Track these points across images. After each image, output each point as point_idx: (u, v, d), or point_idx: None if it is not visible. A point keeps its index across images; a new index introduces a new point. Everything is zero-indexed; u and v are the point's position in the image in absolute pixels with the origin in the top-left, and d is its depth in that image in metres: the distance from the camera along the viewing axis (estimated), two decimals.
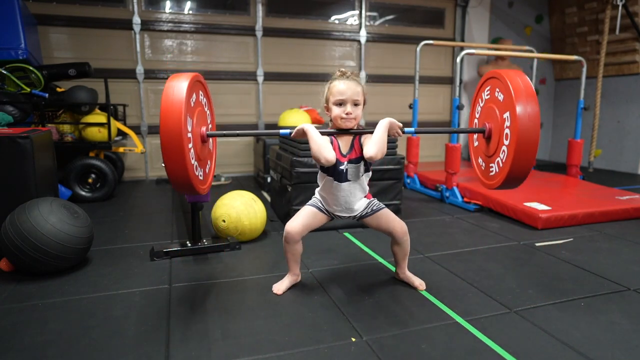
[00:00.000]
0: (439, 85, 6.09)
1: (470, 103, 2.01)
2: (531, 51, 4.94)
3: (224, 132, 1.84)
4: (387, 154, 3.03)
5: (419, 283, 2.03)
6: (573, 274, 2.22)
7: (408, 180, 4.53)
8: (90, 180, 3.75)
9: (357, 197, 1.90)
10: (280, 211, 3.23)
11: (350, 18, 5.58)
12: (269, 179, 3.87)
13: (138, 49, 4.79)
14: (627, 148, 5.65)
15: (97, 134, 3.79)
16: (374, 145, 1.69)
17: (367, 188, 1.96)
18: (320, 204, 1.95)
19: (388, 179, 3.02)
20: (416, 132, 1.89)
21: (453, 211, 3.53)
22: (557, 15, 6.31)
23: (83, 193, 3.72)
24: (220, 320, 1.71)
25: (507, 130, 1.65)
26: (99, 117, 3.83)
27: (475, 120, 1.94)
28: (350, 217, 1.95)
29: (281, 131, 1.84)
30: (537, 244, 2.68)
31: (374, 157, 1.70)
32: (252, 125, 5.32)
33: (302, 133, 1.76)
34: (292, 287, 2.01)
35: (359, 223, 2.94)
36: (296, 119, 4.48)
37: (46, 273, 2.10)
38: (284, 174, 3.08)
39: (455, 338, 1.59)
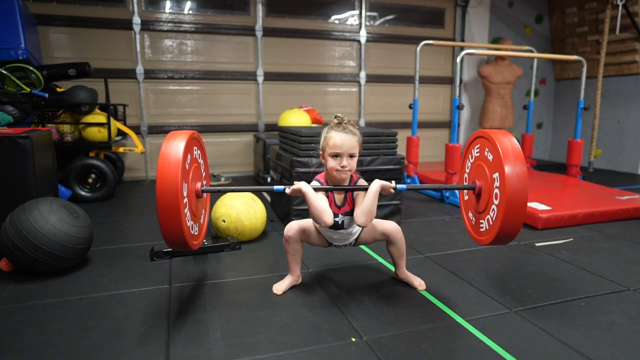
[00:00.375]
0: (439, 85, 6.09)
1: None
2: (531, 51, 4.94)
3: (218, 188, 1.86)
4: (387, 154, 3.04)
5: (418, 283, 2.03)
6: (573, 274, 2.22)
7: (408, 180, 4.53)
8: (90, 180, 3.75)
9: (354, 233, 1.96)
10: (280, 211, 3.23)
11: (350, 18, 5.58)
12: (269, 179, 3.87)
13: (138, 49, 4.79)
14: (627, 148, 5.65)
15: (97, 134, 3.79)
16: (363, 215, 1.73)
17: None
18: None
19: (388, 179, 3.02)
20: (408, 189, 1.90)
21: (453, 211, 3.53)
22: (557, 15, 6.31)
23: (83, 193, 3.72)
24: (220, 320, 1.71)
25: (496, 190, 1.69)
26: (99, 117, 3.83)
27: (466, 176, 1.97)
28: (347, 244, 2.00)
29: (275, 187, 1.83)
30: (537, 244, 2.68)
31: (362, 225, 1.77)
32: (252, 125, 5.32)
33: (299, 192, 1.77)
34: (292, 287, 2.01)
35: None
36: (296, 119, 4.48)
37: (46, 273, 2.10)
38: (284, 174, 3.07)
39: (455, 338, 1.59)
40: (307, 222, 1.98)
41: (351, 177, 1.87)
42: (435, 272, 2.24)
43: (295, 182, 1.79)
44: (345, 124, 1.78)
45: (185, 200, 1.61)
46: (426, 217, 3.34)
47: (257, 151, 4.78)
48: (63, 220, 2.08)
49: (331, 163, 1.78)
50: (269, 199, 3.80)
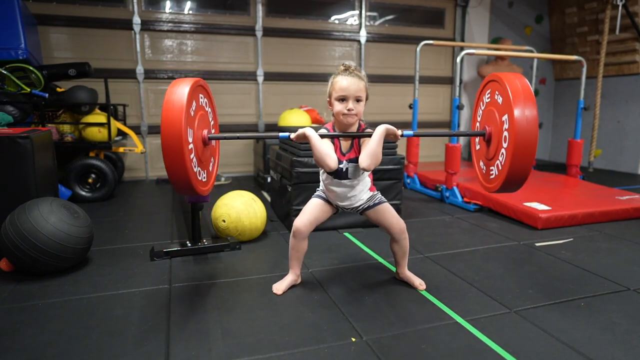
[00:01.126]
0: (439, 85, 6.09)
1: (472, 105, 2.02)
2: (531, 51, 4.94)
3: (225, 135, 1.85)
4: (387, 154, 3.03)
5: (419, 283, 2.03)
6: (573, 274, 2.22)
7: (408, 180, 4.53)
8: (90, 180, 3.75)
9: (358, 191, 1.92)
10: (280, 211, 3.23)
11: (350, 18, 5.58)
12: (269, 179, 3.87)
13: (138, 49, 4.79)
14: (627, 148, 5.65)
15: (97, 134, 3.79)
16: (367, 158, 1.72)
17: (369, 181, 1.97)
18: (325, 195, 1.98)
19: (388, 179, 3.02)
20: (415, 135, 1.89)
21: (453, 211, 3.53)
22: (557, 15, 6.31)
23: (83, 193, 3.72)
24: (220, 320, 1.71)
25: (505, 133, 1.66)
26: (99, 117, 3.83)
27: (477, 124, 1.95)
28: (352, 208, 1.97)
29: (280, 134, 1.84)
30: (537, 244, 2.68)
31: (367, 169, 1.75)
32: (252, 125, 5.32)
33: (303, 137, 1.76)
34: (292, 287, 2.01)
35: (359, 222, 2.96)
36: (296, 119, 4.48)
37: (46, 273, 2.10)
38: (284, 174, 3.08)
39: (455, 338, 1.59)
40: (313, 204, 1.95)
41: (359, 125, 1.86)
42: (435, 272, 2.24)
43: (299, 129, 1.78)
44: (352, 70, 1.78)
45: (191, 146, 1.61)
46: (426, 217, 3.34)
47: (257, 151, 4.78)
48: (63, 220, 2.08)
49: (337, 107, 1.77)
50: (269, 199, 3.80)
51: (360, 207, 1.97)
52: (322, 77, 5.49)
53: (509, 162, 1.61)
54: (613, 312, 1.79)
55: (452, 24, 6.01)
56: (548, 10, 6.46)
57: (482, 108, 1.89)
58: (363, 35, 5.57)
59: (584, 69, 4.45)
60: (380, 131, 1.73)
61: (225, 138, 1.86)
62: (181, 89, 1.58)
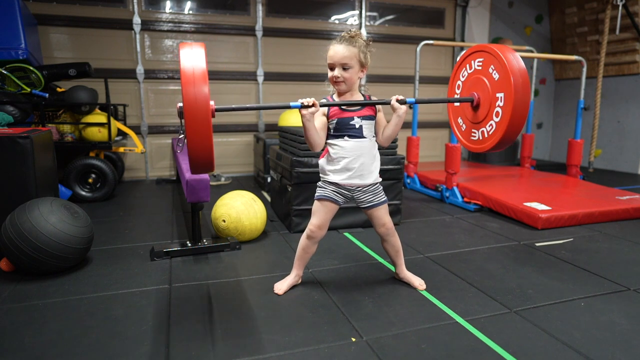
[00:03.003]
0: (439, 85, 6.08)
1: (457, 64, 2.08)
2: (531, 51, 4.94)
3: (231, 106, 1.76)
4: (387, 154, 3.03)
5: (418, 283, 2.03)
6: (573, 274, 2.22)
7: (408, 180, 4.53)
8: (90, 180, 3.75)
9: (371, 159, 1.89)
10: (280, 211, 3.23)
11: (350, 18, 5.58)
12: (269, 179, 3.87)
13: (138, 49, 4.79)
14: (627, 148, 5.65)
15: (97, 134, 3.79)
16: (388, 140, 1.91)
17: (379, 158, 1.95)
18: (329, 190, 1.91)
19: (388, 179, 3.02)
20: (416, 102, 1.97)
21: (453, 211, 3.53)
22: (557, 15, 6.31)
23: (83, 193, 3.72)
24: (220, 320, 1.71)
25: (498, 109, 1.78)
26: (99, 117, 3.83)
27: (459, 83, 2.06)
28: (359, 187, 1.90)
29: (292, 103, 1.74)
30: (537, 244, 2.68)
31: (384, 145, 1.93)
32: (252, 125, 5.32)
33: (311, 114, 1.74)
34: (293, 287, 2.01)
35: (359, 222, 2.96)
36: (296, 119, 4.47)
37: (46, 273, 2.10)
38: (284, 174, 3.08)
39: (455, 338, 1.59)
40: (321, 206, 1.91)
41: (364, 97, 1.89)
42: (435, 272, 2.24)
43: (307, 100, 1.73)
44: (345, 37, 1.77)
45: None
46: (426, 217, 3.34)
47: (257, 151, 4.78)
48: (63, 220, 2.08)
49: (329, 74, 1.82)
50: (269, 199, 3.80)
51: (368, 187, 1.91)
52: (322, 77, 5.49)
53: (499, 138, 1.79)
54: (613, 312, 1.79)
55: (452, 24, 6.01)
56: (548, 10, 6.46)
57: (469, 71, 1.98)
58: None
59: (584, 69, 4.45)
60: (402, 115, 1.84)
61: (232, 109, 1.77)
62: (199, 54, 1.48)
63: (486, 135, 1.86)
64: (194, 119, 1.42)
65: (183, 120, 1.45)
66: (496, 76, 1.79)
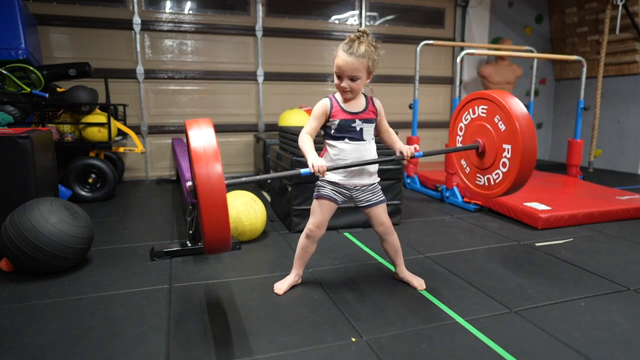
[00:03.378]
0: (439, 85, 6.09)
1: (458, 108, 2.08)
2: (531, 51, 4.94)
3: (243, 179, 1.72)
4: (387, 154, 3.03)
5: (418, 283, 2.03)
6: (573, 274, 2.22)
7: (408, 180, 4.53)
8: (90, 180, 3.75)
9: (370, 145, 1.90)
10: (280, 211, 3.23)
11: (350, 18, 5.58)
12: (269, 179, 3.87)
13: (138, 49, 4.79)
14: (627, 148, 5.65)
15: (97, 134, 3.79)
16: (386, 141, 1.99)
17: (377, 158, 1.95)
18: (327, 189, 1.91)
19: (388, 179, 3.02)
20: (425, 155, 1.94)
21: (453, 211, 3.53)
22: (557, 15, 6.31)
23: (83, 193, 3.72)
24: (220, 320, 1.71)
25: (505, 160, 1.80)
26: (99, 117, 3.83)
27: (461, 125, 2.04)
28: (357, 186, 1.90)
29: (302, 171, 1.75)
30: (537, 244, 2.68)
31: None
32: (252, 125, 5.32)
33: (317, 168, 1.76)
34: (293, 287, 2.01)
35: (359, 222, 2.96)
36: (296, 119, 4.47)
37: (46, 273, 2.10)
38: None
39: (455, 338, 1.59)
40: (320, 206, 1.91)
41: (366, 97, 1.89)
42: (435, 272, 2.24)
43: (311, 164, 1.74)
44: (358, 42, 1.75)
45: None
46: (426, 217, 3.34)
47: (257, 151, 4.78)
48: (63, 220, 2.08)
49: (335, 80, 1.82)
50: (269, 199, 3.80)
51: (367, 192, 1.91)
52: (322, 77, 5.49)
53: (508, 186, 1.81)
54: (613, 312, 1.79)
55: (452, 24, 6.01)
56: (548, 10, 6.46)
57: (472, 116, 1.97)
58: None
59: (584, 69, 4.44)
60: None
61: (243, 182, 1.75)
62: (208, 131, 1.43)
63: (492, 183, 1.88)
64: (209, 199, 1.34)
65: (194, 200, 1.40)
66: (502, 127, 1.79)
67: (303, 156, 1.80)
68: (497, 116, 1.81)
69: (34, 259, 1.99)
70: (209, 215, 1.35)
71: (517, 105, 1.79)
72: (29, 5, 4.19)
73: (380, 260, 2.39)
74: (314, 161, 1.73)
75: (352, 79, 1.77)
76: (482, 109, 1.88)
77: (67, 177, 3.65)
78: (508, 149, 1.77)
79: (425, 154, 1.93)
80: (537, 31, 6.48)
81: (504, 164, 1.80)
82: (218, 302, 1.87)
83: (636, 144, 5.54)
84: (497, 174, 1.85)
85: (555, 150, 6.75)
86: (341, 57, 1.75)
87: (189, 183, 1.47)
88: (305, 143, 1.82)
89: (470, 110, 1.95)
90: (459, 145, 2.05)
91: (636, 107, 5.52)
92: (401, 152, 1.88)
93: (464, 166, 2.05)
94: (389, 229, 1.99)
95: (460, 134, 2.03)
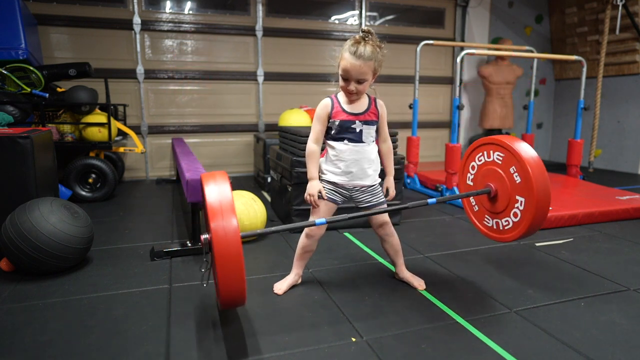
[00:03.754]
0: (439, 85, 6.09)
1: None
2: (531, 51, 4.94)
3: (258, 231, 1.68)
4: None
5: (418, 283, 2.03)
6: (573, 274, 2.22)
7: (408, 180, 4.53)
8: (90, 180, 3.75)
9: (369, 163, 1.89)
10: (280, 211, 3.23)
11: (350, 18, 5.58)
12: (269, 179, 3.87)
13: (138, 49, 4.79)
14: (627, 148, 5.65)
15: (97, 134, 3.79)
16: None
17: (379, 161, 1.96)
18: (327, 190, 1.91)
19: None
20: (438, 202, 1.90)
21: (453, 211, 3.53)
22: (557, 15, 6.31)
23: (83, 193, 3.72)
24: (220, 320, 1.71)
25: (517, 211, 1.79)
26: (99, 117, 3.83)
27: (474, 164, 1.99)
28: (359, 187, 1.90)
29: (317, 221, 1.75)
30: (537, 244, 2.68)
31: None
32: (253, 125, 5.32)
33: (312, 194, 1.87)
34: (293, 287, 2.01)
35: (359, 222, 2.96)
36: (296, 119, 4.48)
37: (46, 273, 2.10)
38: (284, 174, 3.08)
39: (455, 338, 1.59)
40: (324, 210, 1.91)
41: (369, 98, 1.89)
42: (435, 272, 2.24)
43: (307, 194, 1.87)
44: (364, 44, 1.72)
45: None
46: (426, 217, 3.34)
47: (257, 151, 4.78)
48: (63, 220, 2.08)
49: (341, 82, 1.81)
50: (269, 199, 3.80)
51: (368, 193, 1.91)
52: (322, 77, 5.49)
53: (525, 230, 1.77)
54: (613, 312, 1.79)
55: (452, 24, 6.01)
56: (548, 10, 6.46)
57: (478, 163, 1.96)
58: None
59: (584, 69, 4.44)
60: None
61: (256, 234, 1.70)
62: (224, 185, 1.44)
63: (501, 228, 1.87)
64: (224, 253, 1.33)
65: (208, 254, 1.39)
66: (517, 179, 1.76)
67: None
68: (514, 167, 1.78)
69: (34, 259, 1.99)
70: (224, 269, 1.34)
71: (535, 162, 1.75)
72: (29, 5, 4.19)
73: (380, 260, 2.39)
74: (309, 189, 1.84)
75: (359, 81, 1.77)
76: (498, 155, 1.85)
77: (67, 177, 3.65)
78: (521, 201, 1.76)
79: (439, 201, 1.90)
80: (537, 31, 6.48)
81: (515, 214, 1.79)
82: (218, 302, 1.87)
83: (636, 144, 5.54)
84: (507, 221, 1.83)
85: (555, 150, 6.75)
86: (348, 60, 1.73)
87: (204, 236, 1.44)
88: (310, 160, 1.87)
89: (485, 153, 1.91)
90: (468, 182, 2.02)
91: (636, 107, 5.52)
92: (387, 190, 1.97)
93: (473, 204, 2.03)
94: (390, 230, 1.99)
95: (472, 172, 2.00)
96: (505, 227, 1.85)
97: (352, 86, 1.77)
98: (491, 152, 1.89)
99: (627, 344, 1.56)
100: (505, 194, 1.82)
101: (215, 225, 1.34)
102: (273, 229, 1.69)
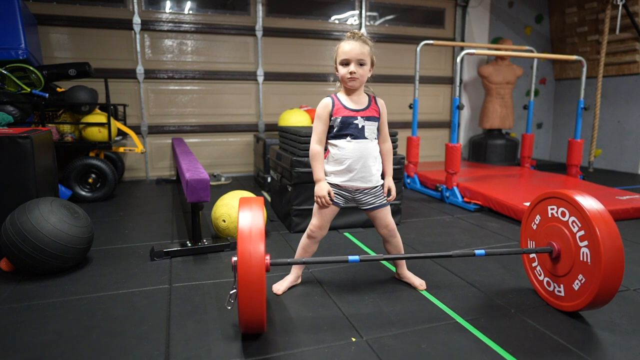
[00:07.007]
0: (439, 85, 6.09)
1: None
2: (531, 51, 4.94)
3: (289, 260, 1.71)
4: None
5: (419, 283, 2.03)
6: None
7: (408, 180, 4.53)
8: (90, 180, 3.75)
9: (373, 158, 1.89)
10: (280, 211, 3.23)
11: (350, 18, 5.58)
12: (269, 179, 3.87)
13: (138, 49, 4.79)
14: (627, 148, 5.65)
15: (97, 134, 3.79)
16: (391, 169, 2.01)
17: (381, 161, 1.96)
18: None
19: None
20: (487, 254, 1.81)
21: (453, 211, 3.53)
22: (557, 15, 6.31)
23: (83, 193, 3.72)
24: (220, 320, 1.71)
25: (587, 256, 1.70)
26: (99, 117, 3.83)
27: (534, 226, 1.93)
28: (362, 189, 1.90)
29: (350, 258, 1.74)
30: None
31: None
32: (253, 125, 5.32)
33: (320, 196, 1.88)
34: (292, 287, 2.01)
35: (359, 222, 2.96)
36: (296, 119, 4.48)
37: (46, 273, 2.10)
38: (284, 174, 3.08)
39: (455, 338, 1.59)
40: (325, 212, 1.91)
41: (369, 95, 1.90)
42: (435, 272, 2.24)
43: (316, 196, 1.88)
44: (357, 35, 1.79)
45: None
46: (426, 217, 3.34)
47: (257, 151, 4.78)
48: (63, 220, 2.08)
49: (341, 71, 1.80)
50: (269, 199, 3.80)
51: (371, 188, 1.91)
52: (322, 77, 5.49)
53: (592, 299, 1.63)
54: (613, 312, 1.79)
55: (452, 24, 6.01)
56: (548, 10, 6.46)
57: (547, 216, 1.87)
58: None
59: (584, 69, 4.44)
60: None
61: (287, 264, 1.72)
62: (258, 213, 1.48)
63: (581, 287, 1.71)
64: (247, 275, 1.38)
65: (237, 275, 1.41)
66: (586, 245, 1.70)
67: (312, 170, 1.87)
68: (581, 227, 1.73)
69: (34, 259, 1.99)
70: (246, 291, 1.38)
71: (600, 214, 1.70)
72: (29, 5, 4.19)
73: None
74: (317, 191, 1.84)
75: (361, 63, 1.78)
76: (567, 216, 1.79)
77: (67, 177, 3.65)
78: (588, 257, 1.68)
79: (488, 254, 1.79)
80: (537, 31, 6.48)
81: (586, 265, 1.69)
82: (218, 302, 1.87)
83: (636, 144, 5.54)
84: (577, 285, 1.71)
85: (555, 150, 6.75)
86: (347, 44, 1.78)
87: (234, 258, 1.45)
88: (315, 161, 1.86)
89: (536, 217, 1.88)
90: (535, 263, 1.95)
91: (636, 107, 5.52)
92: (389, 189, 1.95)
93: (534, 265, 1.94)
94: (393, 231, 1.99)
95: (534, 227, 1.94)
96: (558, 293, 1.76)
97: (353, 67, 1.77)
98: (563, 210, 1.81)
99: (627, 344, 1.56)
100: (569, 255, 1.73)
101: (242, 248, 1.39)
102: (304, 259, 1.77)
